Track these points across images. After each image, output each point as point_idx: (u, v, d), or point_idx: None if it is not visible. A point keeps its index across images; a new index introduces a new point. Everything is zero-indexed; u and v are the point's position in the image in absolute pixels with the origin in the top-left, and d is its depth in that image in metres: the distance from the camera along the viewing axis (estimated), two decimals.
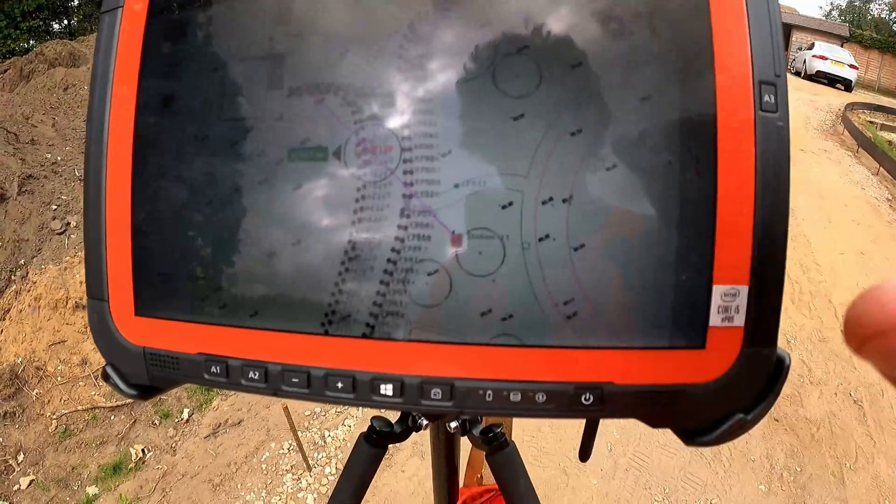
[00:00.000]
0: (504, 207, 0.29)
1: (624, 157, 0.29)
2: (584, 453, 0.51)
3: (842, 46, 17.40)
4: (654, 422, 0.31)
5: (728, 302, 0.29)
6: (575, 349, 0.30)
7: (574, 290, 0.29)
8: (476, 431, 0.65)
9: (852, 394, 3.01)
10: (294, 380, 0.32)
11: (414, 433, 0.63)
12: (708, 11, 0.29)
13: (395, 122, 0.30)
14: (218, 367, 0.33)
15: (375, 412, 0.66)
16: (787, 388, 2.53)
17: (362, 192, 0.30)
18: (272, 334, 0.32)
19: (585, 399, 0.30)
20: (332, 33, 0.31)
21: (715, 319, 0.29)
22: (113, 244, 0.35)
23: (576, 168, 0.29)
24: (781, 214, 0.29)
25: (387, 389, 0.31)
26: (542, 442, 2.55)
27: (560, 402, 0.30)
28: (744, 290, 0.29)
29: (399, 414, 0.63)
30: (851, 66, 14.90)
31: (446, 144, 0.30)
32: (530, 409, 0.30)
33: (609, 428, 2.61)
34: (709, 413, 0.30)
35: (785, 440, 2.67)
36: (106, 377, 0.37)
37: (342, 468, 0.65)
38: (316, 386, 0.32)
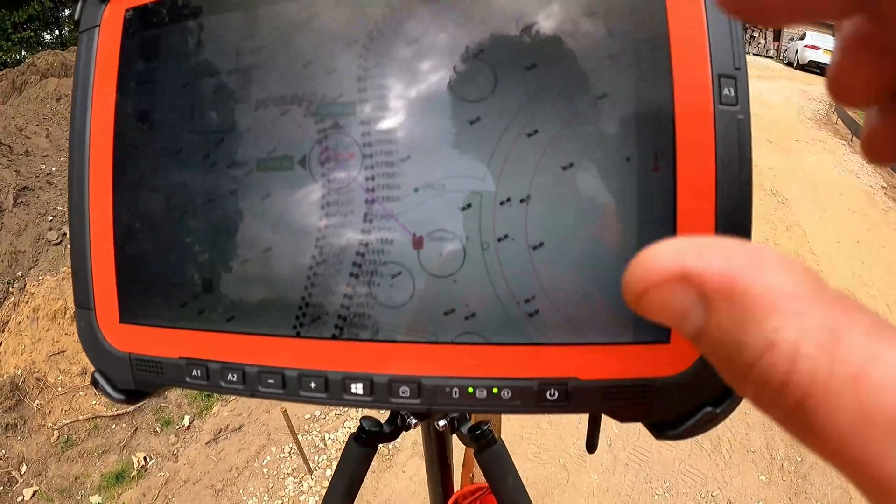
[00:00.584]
0: (463, 209, 0.30)
1: (581, 155, 0.30)
2: (591, 445, 0.53)
3: (833, 35, 17.41)
4: (622, 416, 0.32)
5: None
6: (538, 346, 0.31)
7: (535, 287, 0.30)
8: (464, 429, 0.66)
9: None
10: (270, 381, 0.33)
11: (404, 432, 0.64)
12: (664, 7, 0.29)
13: (355, 130, 0.31)
14: (199, 371, 0.34)
15: (366, 413, 0.67)
16: None
17: (327, 199, 0.31)
18: (248, 337, 0.33)
19: (550, 395, 0.31)
20: (293, 46, 0.32)
21: None
22: (97, 255, 0.36)
23: (533, 168, 0.30)
24: (744, 208, 0.29)
25: (357, 388, 0.32)
26: (541, 438, 2.55)
27: (525, 397, 0.31)
28: None
29: (388, 414, 0.64)
30: None
31: (405, 150, 0.31)
32: (496, 405, 0.31)
33: (609, 423, 2.61)
34: (677, 406, 0.31)
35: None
36: (95, 383, 0.38)
37: (335, 469, 0.66)
38: (290, 386, 0.33)
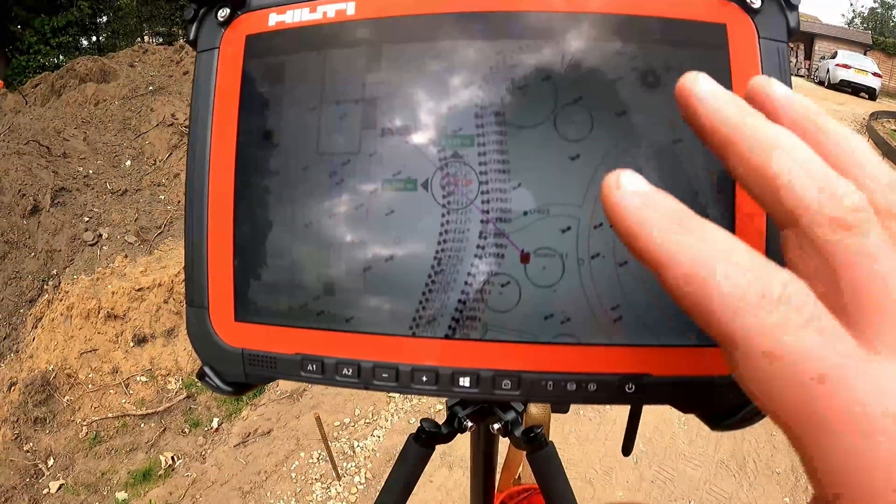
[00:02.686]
0: (563, 231, 0.35)
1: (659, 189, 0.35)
2: (627, 448, 0.57)
3: (865, 54, 17.24)
4: (685, 408, 0.36)
5: None
6: (620, 346, 0.35)
7: (619, 298, 0.35)
8: (517, 432, 0.69)
9: None
10: (384, 375, 0.37)
11: (459, 434, 0.67)
12: (728, 66, 0.35)
13: (473, 160, 0.36)
14: (314, 366, 0.38)
15: (425, 416, 0.70)
16: None
17: (447, 218, 0.36)
18: (364, 336, 0.38)
19: (628, 388, 0.36)
20: (417, 82, 0.37)
21: None
22: (214, 260, 0.40)
23: None
24: None
25: (465, 381, 0.37)
26: (567, 453, 2.56)
27: (608, 390, 0.36)
28: None
29: (446, 416, 0.67)
30: (875, 74, 14.73)
31: (517, 179, 0.36)
32: (583, 396, 0.36)
33: (636, 440, 2.60)
34: (731, 401, 0.35)
35: None
36: (201, 376, 0.41)
37: (391, 468, 0.69)
38: (403, 380, 0.37)
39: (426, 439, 0.67)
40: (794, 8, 0.35)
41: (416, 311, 0.36)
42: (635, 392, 0.35)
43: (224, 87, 0.40)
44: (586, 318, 0.35)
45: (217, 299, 0.40)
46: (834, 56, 15.52)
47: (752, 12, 0.35)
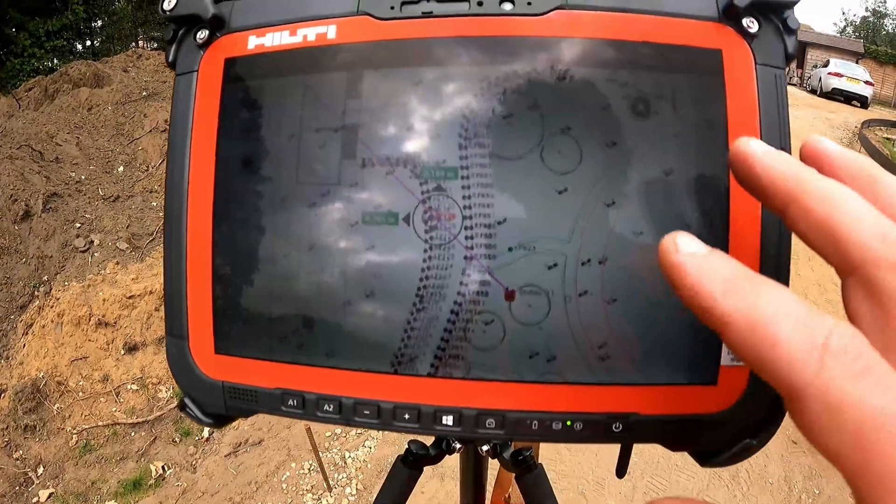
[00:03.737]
0: (550, 267, 0.34)
1: (650, 223, 0.34)
2: (621, 470, 0.57)
3: (857, 63, 17.40)
4: (674, 446, 0.35)
5: None
6: (607, 385, 0.34)
7: (607, 336, 0.34)
8: (506, 454, 0.69)
9: None
10: (365, 412, 0.36)
11: (447, 455, 0.67)
12: (723, 93, 0.34)
13: (457, 193, 0.35)
14: (294, 401, 0.37)
15: (410, 437, 0.69)
16: None
17: (429, 254, 0.35)
18: (345, 372, 0.36)
19: (615, 427, 0.34)
20: (399, 111, 0.35)
21: (725, 360, 0.33)
22: (193, 290, 0.38)
23: (610, 234, 0.34)
24: (783, 259, 0.33)
25: (448, 420, 0.35)
26: (560, 466, 2.55)
27: (595, 430, 0.35)
28: None
29: (433, 438, 0.66)
30: (867, 82, 14.84)
31: (501, 214, 0.34)
32: (569, 436, 0.35)
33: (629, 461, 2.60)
34: (720, 438, 0.34)
35: (804, 462, 2.65)
36: (183, 407, 0.40)
37: (379, 489, 0.68)
38: (385, 417, 0.36)
39: (413, 461, 0.67)
40: (793, 32, 0.34)
41: (398, 348, 0.35)
42: (623, 431, 0.34)
43: (202, 112, 0.38)
44: (573, 357, 0.34)
45: (197, 330, 0.39)
46: (826, 64, 15.62)
47: (748, 37, 0.34)
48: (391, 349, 0.35)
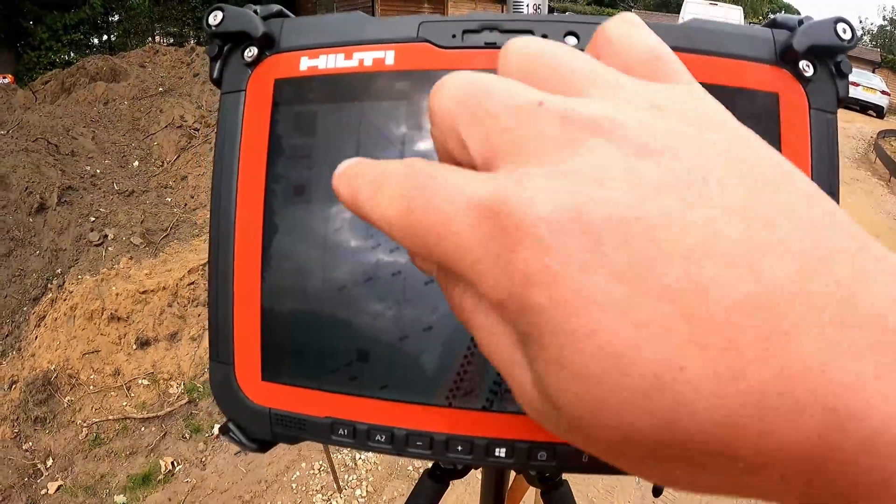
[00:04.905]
0: None
1: None
2: (658, 489, 0.56)
3: (873, 72, 17.25)
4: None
5: None
6: None
7: None
8: (533, 471, 0.68)
9: None
10: (418, 443, 0.36)
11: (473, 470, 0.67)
12: (778, 136, 0.34)
13: None
14: (345, 430, 0.37)
15: None
16: None
17: None
18: (398, 404, 0.36)
19: None
20: None
21: None
22: (240, 316, 0.38)
23: None
24: None
25: (500, 452, 0.36)
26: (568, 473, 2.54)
27: None
28: None
29: None
30: (883, 92, 14.75)
31: None
32: (614, 468, 0.35)
33: None
34: None
35: None
36: (225, 431, 0.40)
37: (404, 502, 0.68)
38: (437, 448, 0.36)
39: (440, 475, 0.66)
40: (845, 77, 0.34)
41: (454, 382, 0.35)
42: None
43: (251, 134, 0.37)
44: None
45: (243, 357, 0.38)
46: None
47: (804, 81, 0.34)
48: (447, 383, 0.35)
